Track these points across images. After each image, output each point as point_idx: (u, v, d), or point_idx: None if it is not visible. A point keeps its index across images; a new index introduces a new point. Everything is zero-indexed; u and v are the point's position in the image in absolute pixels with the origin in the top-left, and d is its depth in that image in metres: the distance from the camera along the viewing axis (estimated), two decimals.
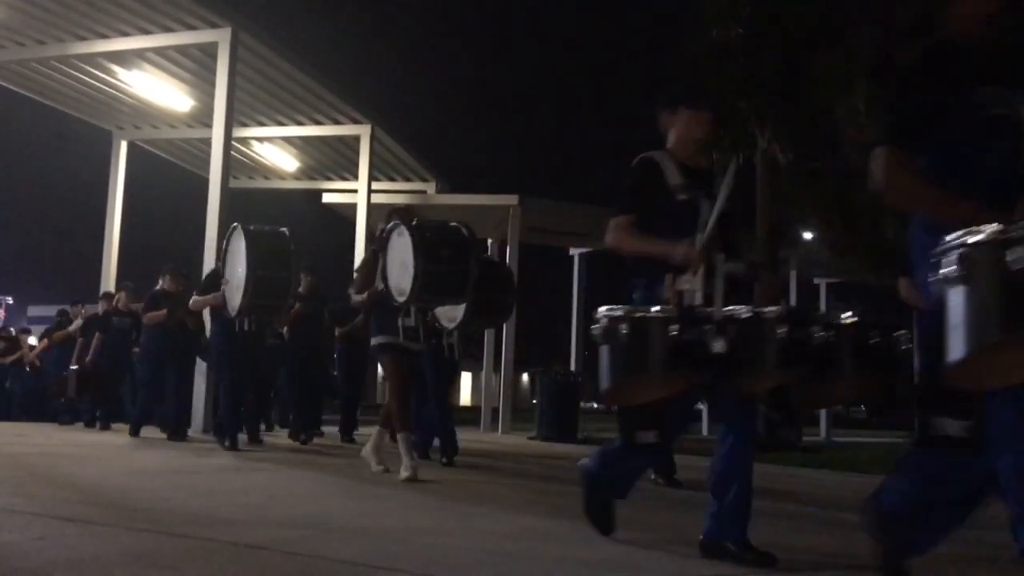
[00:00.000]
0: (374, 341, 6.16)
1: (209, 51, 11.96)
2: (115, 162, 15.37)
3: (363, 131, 14.74)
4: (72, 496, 4.43)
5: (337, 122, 14.76)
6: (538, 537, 3.74)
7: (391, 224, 5.85)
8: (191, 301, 8.45)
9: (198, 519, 3.77)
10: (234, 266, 7.46)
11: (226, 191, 11.30)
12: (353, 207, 15.26)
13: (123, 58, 12.79)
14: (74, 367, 11.69)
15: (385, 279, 5.77)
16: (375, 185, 15.60)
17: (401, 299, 5.66)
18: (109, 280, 14.52)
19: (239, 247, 7.38)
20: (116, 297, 11.31)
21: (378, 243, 6.17)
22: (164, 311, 9.47)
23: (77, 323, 12.51)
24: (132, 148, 15.64)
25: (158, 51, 12.48)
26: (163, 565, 2.74)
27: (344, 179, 16.88)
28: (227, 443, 7.95)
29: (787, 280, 20.25)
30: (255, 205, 18.09)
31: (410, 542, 3.45)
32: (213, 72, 11.79)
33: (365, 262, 6.50)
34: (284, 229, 7.61)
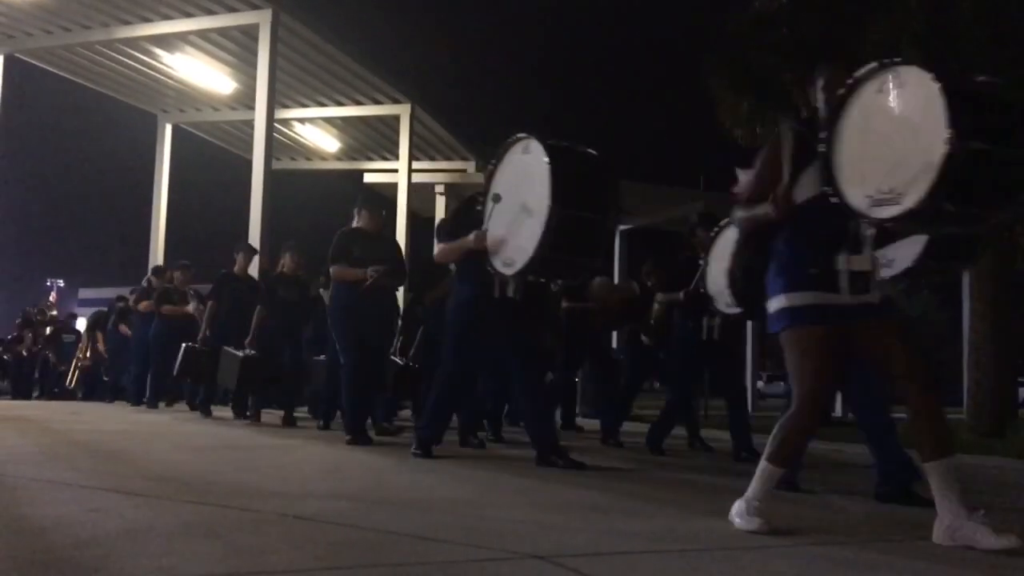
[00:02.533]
0: (780, 303, 3.33)
1: (251, 33, 12.05)
2: (160, 145, 15.58)
3: (403, 111, 14.76)
4: (126, 471, 4.52)
5: (377, 102, 14.80)
6: (585, 509, 3.74)
7: (865, 74, 3.08)
8: (436, 251, 5.76)
9: (249, 492, 3.83)
10: (517, 192, 4.84)
11: (269, 172, 11.42)
12: (394, 187, 15.33)
13: (166, 41, 12.93)
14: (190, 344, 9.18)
15: (832, 176, 3.12)
16: (415, 164, 15.65)
17: (892, 211, 2.95)
18: (157, 262, 14.75)
19: (529, 165, 4.73)
20: (281, 261, 8.69)
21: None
22: (361, 272, 6.35)
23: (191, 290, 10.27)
24: (176, 131, 15.84)
25: (200, 34, 12.60)
26: (215, 535, 2.80)
27: (385, 159, 16.95)
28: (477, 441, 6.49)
29: None
30: (297, 186, 18.28)
31: (457, 514, 3.47)
32: (255, 54, 11.89)
33: (771, 152, 3.44)
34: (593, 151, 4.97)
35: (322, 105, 15.02)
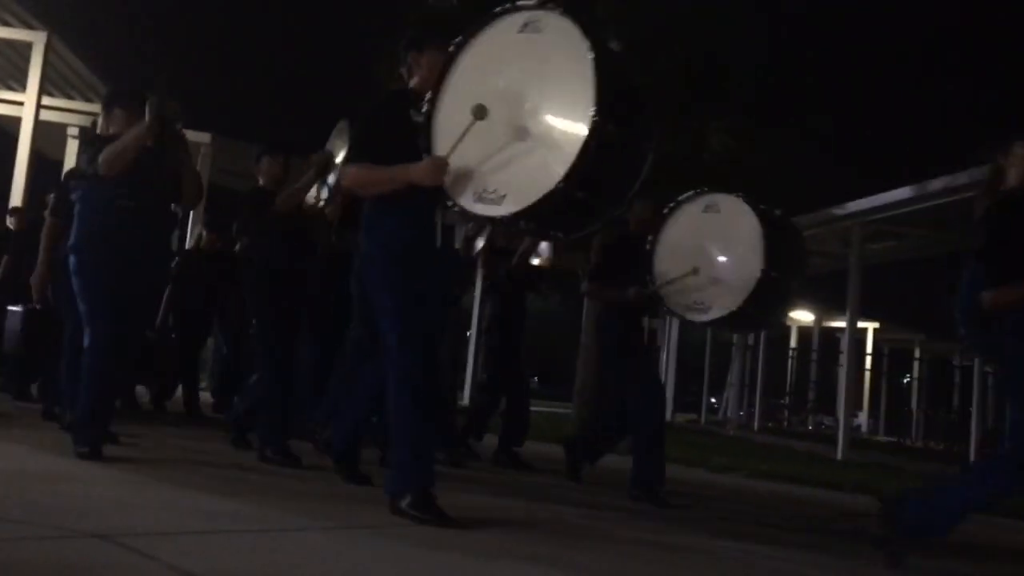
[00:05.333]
0: None
1: None
2: None
3: (37, 38, 13.20)
4: None
5: (6, 23, 13.11)
6: (177, 487, 3.61)
7: None
8: (351, 173, 3.72)
9: None
10: (512, 94, 3.20)
11: None
12: (17, 122, 13.67)
13: None
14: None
15: None
16: (47, 101, 14.09)
17: None
18: None
19: (542, 51, 3.18)
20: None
21: None
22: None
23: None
24: None
25: None
26: None
27: (12, 89, 15.07)
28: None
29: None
30: None
31: (24, 488, 3.19)
32: None
33: None
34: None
35: None
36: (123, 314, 4.27)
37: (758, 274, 4.26)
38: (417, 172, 3.34)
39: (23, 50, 13.77)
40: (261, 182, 5.26)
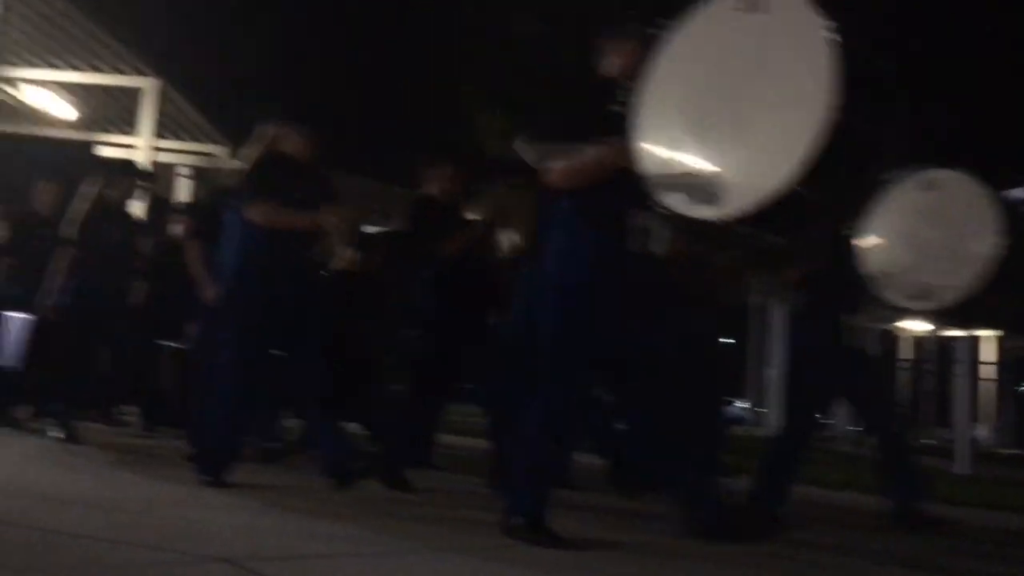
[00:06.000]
0: None
1: None
2: None
3: (148, 84, 13.85)
4: None
5: (120, 72, 13.80)
6: (295, 512, 3.69)
7: None
8: (563, 166, 3.35)
9: None
10: (722, 77, 2.98)
11: None
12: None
13: None
14: None
15: None
16: (160, 143, 14.76)
17: None
18: None
19: (761, 37, 2.89)
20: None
21: None
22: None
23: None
24: None
25: None
26: None
27: (126, 133, 15.85)
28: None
29: None
30: (21, 152, 16.66)
31: (153, 514, 3.31)
32: None
33: None
34: None
35: (55, 67, 13.80)
36: (274, 340, 4.39)
37: (990, 248, 3.89)
38: (609, 151, 3.18)
39: (137, 96, 14.46)
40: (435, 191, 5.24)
